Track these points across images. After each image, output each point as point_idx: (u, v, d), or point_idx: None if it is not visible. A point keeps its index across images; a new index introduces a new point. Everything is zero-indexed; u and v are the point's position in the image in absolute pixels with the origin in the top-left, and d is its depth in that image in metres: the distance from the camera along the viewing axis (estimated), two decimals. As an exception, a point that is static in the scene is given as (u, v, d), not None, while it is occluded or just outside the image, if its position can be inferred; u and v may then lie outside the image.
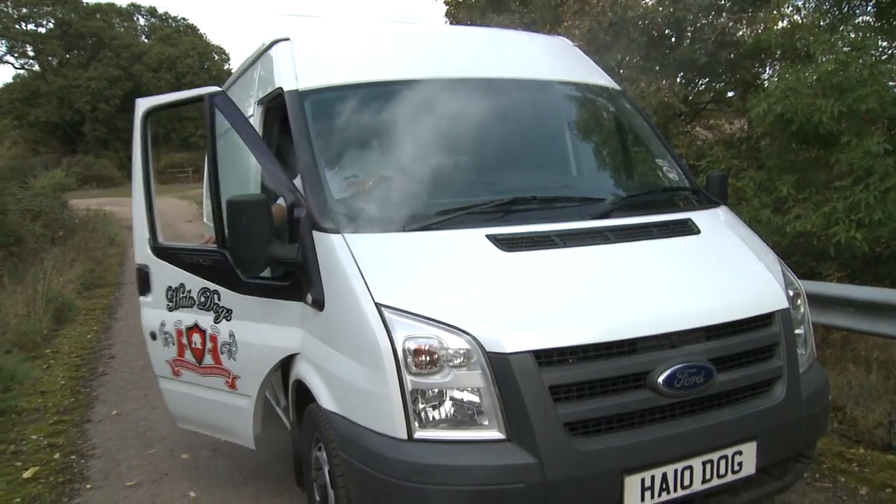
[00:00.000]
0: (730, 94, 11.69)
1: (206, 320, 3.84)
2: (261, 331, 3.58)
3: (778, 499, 3.83)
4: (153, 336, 4.20)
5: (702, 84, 11.76)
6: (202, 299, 3.84)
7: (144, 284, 4.20)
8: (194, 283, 3.87)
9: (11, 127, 45.79)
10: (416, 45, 4.21)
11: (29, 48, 55.38)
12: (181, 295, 3.97)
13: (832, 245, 6.60)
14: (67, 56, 56.76)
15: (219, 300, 3.75)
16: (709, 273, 3.29)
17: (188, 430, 5.27)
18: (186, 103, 4.03)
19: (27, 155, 41.25)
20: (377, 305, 2.78)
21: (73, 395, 6.45)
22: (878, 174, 6.45)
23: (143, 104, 4.19)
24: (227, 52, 63.08)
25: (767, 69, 10.79)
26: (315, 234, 3.14)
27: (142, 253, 4.17)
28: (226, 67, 59.82)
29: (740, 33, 10.24)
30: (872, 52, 7.52)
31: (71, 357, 7.88)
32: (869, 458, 4.40)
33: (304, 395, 3.42)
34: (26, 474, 4.68)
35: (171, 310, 4.04)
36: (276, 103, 3.97)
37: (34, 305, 8.98)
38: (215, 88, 3.68)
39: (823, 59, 7.39)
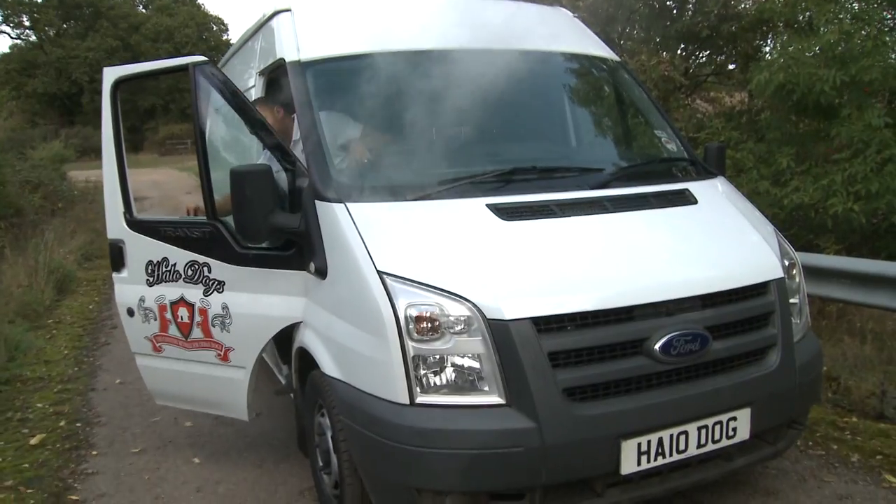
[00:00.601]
0: (731, 66, 11.64)
1: (194, 294, 3.77)
2: (259, 301, 3.59)
3: (772, 465, 3.91)
4: (130, 312, 4.07)
5: (703, 57, 11.71)
6: (189, 272, 3.76)
7: (119, 260, 4.06)
8: (179, 256, 3.79)
9: (9, 98, 45.44)
10: (417, 15, 4.21)
11: (25, 18, 54.85)
12: (164, 269, 3.87)
13: (830, 217, 6.63)
14: (65, 26, 56.18)
15: (209, 273, 3.70)
16: (705, 242, 3.33)
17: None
18: (166, 73, 3.94)
19: (25, 126, 41.02)
20: (379, 273, 2.83)
21: (76, 365, 6.53)
22: (875, 146, 6.46)
23: (111, 73, 3.97)
24: (225, 22, 62.58)
25: (769, 41, 10.76)
26: (318, 203, 3.18)
27: (116, 227, 4.02)
28: (224, 38, 59.26)
29: (742, 5, 10.18)
30: (876, 23, 7.49)
31: (73, 327, 7.95)
32: (861, 427, 4.47)
33: (307, 362, 3.48)
34: (33, 441, 4.75)
35: (151, 285, 3.93)
36: (277, 74, 3.98)
37: (36, 276, 9.04)
38: (201, 57, 3.61)
39: (826, 30, 7.36)
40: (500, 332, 2.70)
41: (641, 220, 3.30)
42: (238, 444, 4.61)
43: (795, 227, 7.22)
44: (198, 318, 3.81)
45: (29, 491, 4.05)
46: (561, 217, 3.17)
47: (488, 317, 2.71)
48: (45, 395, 5.69)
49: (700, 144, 7.82)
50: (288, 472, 4.15)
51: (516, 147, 3.95)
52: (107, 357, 6.74)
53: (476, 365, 2.73)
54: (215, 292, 3.71)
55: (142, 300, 4.00)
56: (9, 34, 56.79)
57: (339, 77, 3.72)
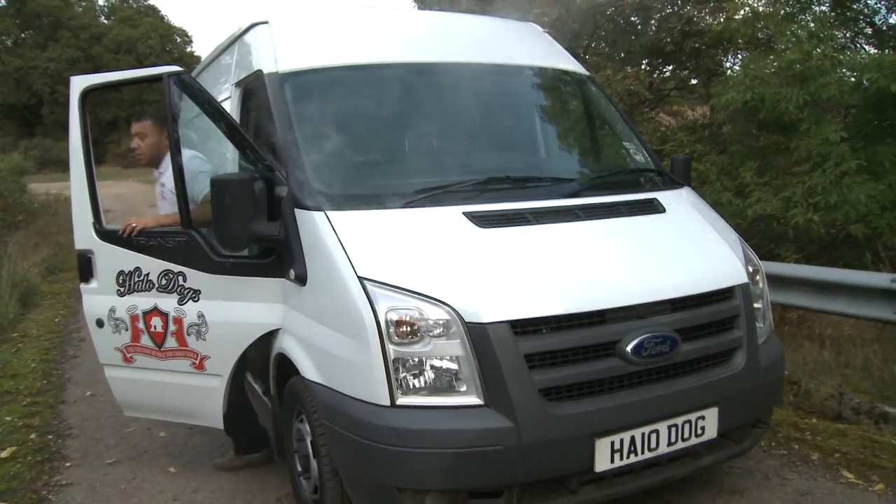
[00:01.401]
0: (693, 81, 11.96)
1: (168, 303, 3.78)
2: (236, 309, 3.62)
3: (737, 464, 4.04)
4: (100, 323, 4.03)
5: (666, 71, 12.01)
6: (163, 282, 3.76)
7: (87, 270, 4.02)
8: (153, 265, 3.78)
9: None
10: (392, 28, 4.30)
11: (-19, 27, 53.82)
12: (136, 279, 3.86)
13: (791, 228, 6.86)
14: (23, 35, 55.29)
15: (184, 282, 3.71)
16: (673, 249, 3.46)
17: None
18: (137, 83, 3.94)
19: (-18, 137, 40.17)
20: (360, 279, 2.90)
21: (44, 378, 6.46)
22: (834, 160, 6.71)
23: (79, 83, 3.92)
24: (189, 34, 62.06)
25: (730, 58, 11.09)
26: (297, 211, 3.24)
27: (84, 238, 3.98)
28: (188, 50, 58.82)
29: (705, 22, 10.48)
30: (831, 41, 7.80)
31: (40, 340, 7.85)
32: (821, 427, 4.64)
33: (284, 370, 3.53)
34: (3, 454, 4.70)
35: (122, 295, 3.90)
36: (254, 85, 4.03)
37: (-1, 289, 8.91)
38: (175, 68, 3.62)
39: (785, 48, 7.63)
40: (478, 335, 2.78)
41: (613, 227, 3.42)
42: (214, 453, 4.61)
43: (757, 237, 7.44)
44: (172, 328, 3.81)
45: (2, 503, 4.02)
46: (535, 224, 3.27)
47: (466, 320, 2.79)
48: (14, 408, 5.62)
49: (665, 157, 8.03)
50: (264, 480, 4.17)
51: (491, 157, 4.04)
52: (76, 370, 6.67)
53: (455, 367, 2.81)
54: (190, 301, 3.72)
55: (112, 310, 3.96)
56: (-35, 43, 55.54)
57: (316, 88, 3.79)
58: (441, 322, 2.81)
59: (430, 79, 3.99)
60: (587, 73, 4.74)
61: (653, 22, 10.86)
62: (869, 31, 9.43)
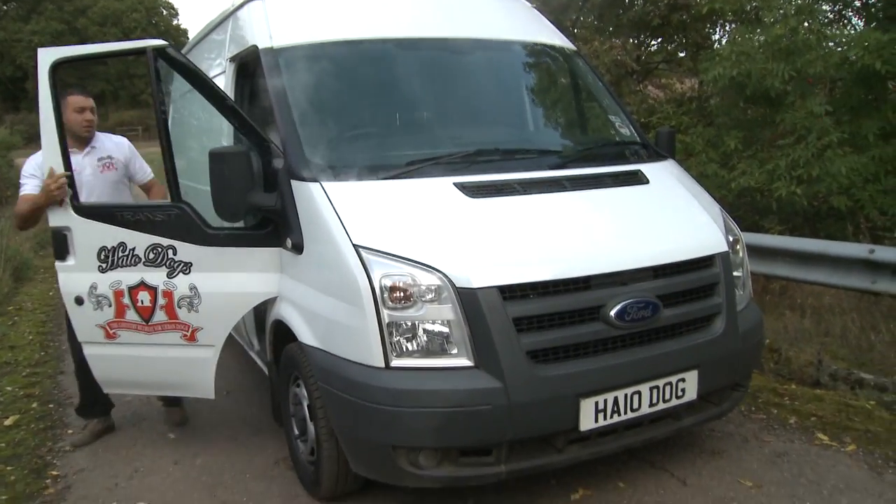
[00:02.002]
0: (681, 54, 12.01)
1: (156, 277, 3.77)
2: (230, 280, 3.68)
3: (717, 427, 4.21)
4: (79, 301, 3.92)
5: (654, 45, 12.06)
6: (151, 256, 3.74)
7: (63, 248, 3.90)
8: (139, 240, 3.74)
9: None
10: (385, 4, 4.37)
11: (-38, -2, 53.07)
12: (120, 254, 3.79)
13: (774, 200, 6.99)
14: (5, 8, 54.54)
15: (174, 255, 3.71)
16: (656, 219, 3.59)
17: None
18: (114, 56, 3.87)
19: (-33, 112, 39.80)
20: (355, 247, 3.01)
21: (42, 350, 6.56)
22: (816, 133, 6.84)
23: (47, 55, 3.73)
24: (175, 7, 61.32)
25: (718, 31, 11.14)
26: (294, 182, 3.34)
27: (59, 215, 3.87)
28: (175, 23, 58.25)
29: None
30: (819, 16, 7.87)
31: (35, 313, 7.94)
32: (799, 393, 4.81)
33: (281, 336, 3.65)
34: (7, 422, 4.82)
35: (104, 271, 3.83)
36: (249, 60, 4.11)
37: (-8, 264, 8.97)
38: (160, 42, 3.58)
39: (772, 23, 7.70)
40: (468, 300, 2.91)
41: (598, 197, 3.54)
42: (212, 420, 4.75)
43: (742, 209, 7.58)
44: (161, 301, 3.80)
45: (9, 468, 4.15)
46: (523, 195, 3.38)
47: (457, 285, 2.92)
48: (14, 378, 5.74)
49: (652, 129, 8.14)
50: (262, 445, 4.30)
51: (480, 130, 4.14)
52: (72, 341, 6.76)
53: (446, 330, 2.94)
54: (181, 274, 3.72)
55: (93, 287, 3.88)
56: (-53, 16, 54.70)
57: (309, 63, 3.86)
58: (433, 287, 2.93)
59: (421, 54, 4.07)
60: (574, 47, 4.82)
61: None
62: (858, 3, 9.51)
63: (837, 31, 7.91)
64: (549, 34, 4.75)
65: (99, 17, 53.29)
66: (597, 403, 3.07)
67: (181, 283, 3.74)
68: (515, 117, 4.59)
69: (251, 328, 4.37)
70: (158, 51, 3.53)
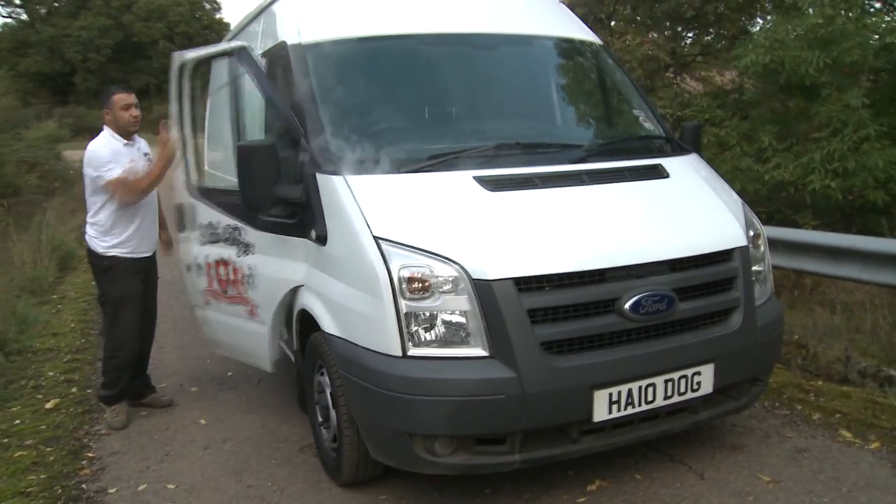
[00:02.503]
0: (718, 47, 11.85)
1: (231, 254, 4.29)
2: (273, 264, 3.94)
3: (739, 422, 4.21)
4: (189, 269, 4.79)
5: (689, 37, 11.92)
6: (227, 235, 4.28)
7: (181, 222, 4.85)
8: (222, 219, 4.34)
9: (7, 77, 45.25)
10: (409, 1, 4.43)
11: (15, -4, 54.35)
12: (211, 231, 4.48)
13: (808, 194, 6.90)
14: (56, 4, 55.78)
15: (241, 236, 4.18)
16: (674, 212, 3.60)
17: (194, 366, 5.71)
18: (219, 56, 4.61)
19: (18, 105, 40.86)
20: (375, 239, 3.10)
21: (83, 337, 6.79)
22: (852, 125, 6.72)
23: (177, 58, 4.66)
24: (217, 1, 62.01)
25: (757, 20, 10.96)
26: (318, 175, 3.44)
27: (181, 193, 4.82)
28: (217, 17, 58.98)
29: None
30: (858, 5, 7.71)
31: (78, 302, 8.21)
32: (825, 390, 4.76)
33: (306, 326, 3.76)
34: (48, 405, 5.03)
35: (203, 244, 4.59)
36: (279, 55, 4.21)
37: (39, 253, 9.28)
38: (243, 44, 4.18)
39: (810, 11, 7.56)
40: (484, 291, 2.97)
41: (616, 191, 3.56)
42: (242, 407, 4.89)
43: (776, 204, 7.49)
44: (233, 277, 4.30)
45: (48, 449, 4.33)
46: (542, 188, 3.43)
47: (474, 277, 2.98)
48: (56, 364, 5.95)
49: (685, 122, 8.06)
50: (288, 432, 4.42)
51: (501, 124, 4.18)
52: (112, 329, 6.98)
53: (462, 321, 3.00)
54: (245, 254, 4.15)
55: (196, 258, 4.67)
56: (0, 13, 56.22)
57: (336, 59, 3.95)
58: (450, 279, 3.00)
59: (445, 49, 4.13)
60: (600, 41, 4.83)
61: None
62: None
63: (876, 20, 7.72)
64: (574, 28, 4.76)
65: (144, 13, 54.24)
66: (610, 395, 3.11)
67: (244, 263, 4.17)
68: (538, 112, 4.61)
69: (280, 317, 4.49)
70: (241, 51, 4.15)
